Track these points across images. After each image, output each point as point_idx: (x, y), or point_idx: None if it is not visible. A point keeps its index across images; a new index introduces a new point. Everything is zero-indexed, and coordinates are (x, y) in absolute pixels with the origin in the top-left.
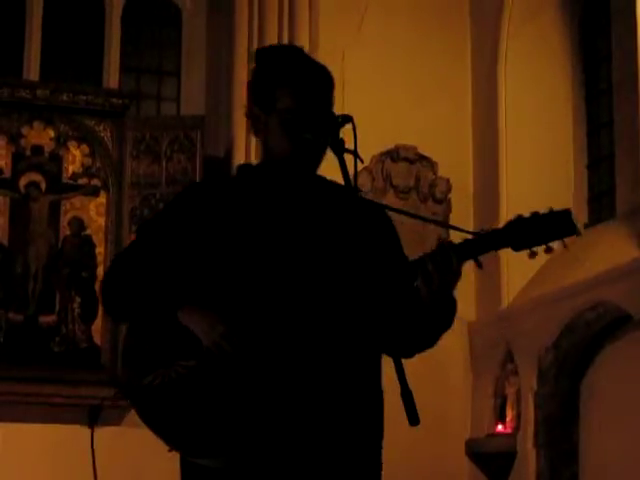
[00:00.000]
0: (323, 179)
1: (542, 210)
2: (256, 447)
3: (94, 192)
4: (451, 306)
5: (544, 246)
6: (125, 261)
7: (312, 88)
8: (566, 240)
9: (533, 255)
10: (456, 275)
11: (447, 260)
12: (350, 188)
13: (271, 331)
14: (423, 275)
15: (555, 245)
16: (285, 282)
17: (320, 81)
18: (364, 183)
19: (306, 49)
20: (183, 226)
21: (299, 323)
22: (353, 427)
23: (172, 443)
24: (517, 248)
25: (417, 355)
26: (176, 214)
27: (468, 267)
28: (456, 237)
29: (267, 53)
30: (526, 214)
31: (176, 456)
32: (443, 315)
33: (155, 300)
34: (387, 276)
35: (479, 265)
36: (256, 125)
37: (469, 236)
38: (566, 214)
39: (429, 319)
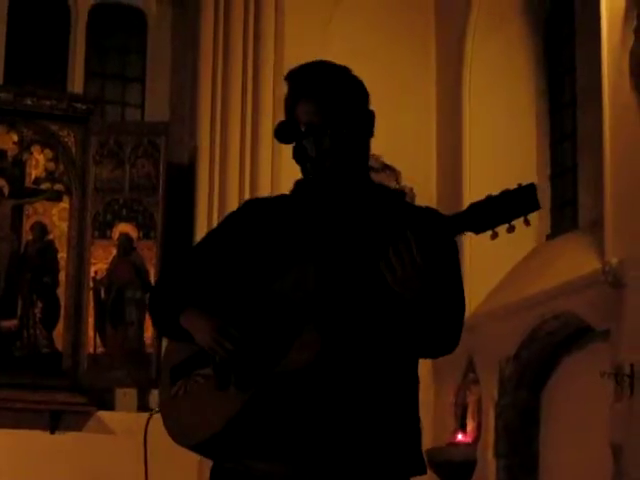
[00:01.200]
0: (373, 184)
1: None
2: (285, 451)
3: (57, 197)
4: (445, 295)
5: (506, 226)
6: (173, 274)
7: (327, 97)
8: (529, 217)
9: (495, 236)
10: (418, 264)
11: (408, 248)
12: (400, 194)
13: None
14: (385, 265)
15: (517, 224)
16: (309, 287)
17: (336, 89)
18: None
19: (271, 56)
20: (231, 241)
21: (330, 329)
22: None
23: (196, 451)
24: (477, 230)
25: None
26: (227, 229)
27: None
28: None
29: (292, 72)
30: (494, 193)
31: (136, 460)
32: (436, 307)
33: (173, 307)
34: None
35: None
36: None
37: None
38: (530, 188)
39: (417, 313)
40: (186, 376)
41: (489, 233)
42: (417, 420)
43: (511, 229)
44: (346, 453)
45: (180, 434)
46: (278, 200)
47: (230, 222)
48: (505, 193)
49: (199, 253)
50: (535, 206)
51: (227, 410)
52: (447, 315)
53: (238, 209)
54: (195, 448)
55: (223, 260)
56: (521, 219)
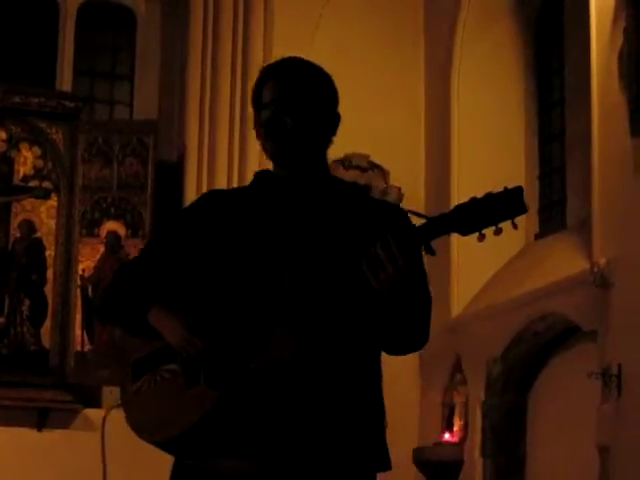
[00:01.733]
0: (335, 179)
1: (497, 190)
2: (253, 447)
3: (45, 195)
4: (418, 296)
5: (493, 228)
6: (130, 268)
7: (293, 79)
8: (516, 220)
9: (482, 238)
10: (400, 264)
11: (388, 249)
12: (364, 188)
13: (268, 333)
14: (367, 266)
15: (504, 226)
16: (285, 286)
17: (303, 73)
18: None
19: (260, 56)
20: (190, 234)
21: (296, 326)
22: (349, 430)
23: (160, 447)
24: (465, 232)
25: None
26: (182, 223)
27: None
28: None
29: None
30: (479, 195)
31: (122, 458)
32: (409, 307)
33: (138, 303)
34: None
35: (431, 252)
36: (257, 130)
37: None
38: (517, 191)
39: (395, 313)
40: (150, 371)
41: (476, 235)
42: (382, 417)
43: (498, 231)
44: (312, 449)
45: (145, 430)
46: (239, 192)
47: (190, 214)
48: (492, 195)
49: (159, 248)
50: (522, 210)
51: (196, 407)
52: (420, 313)
53: (197, 201)
54: (161, 445)
55: (186, 254)
56: (508, 222)
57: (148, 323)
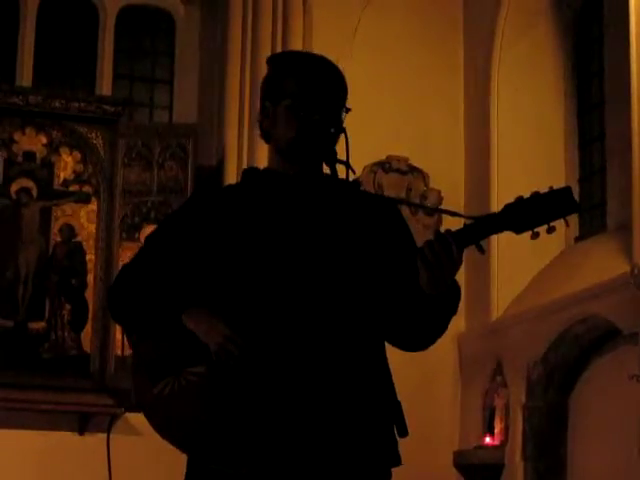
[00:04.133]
0: (329, 175)
1: (542, 190)
2: (268, 451)
3: (85, 199)
4: (455, 293)
5: (546, 226)
6: (132, 268)
7: (318, 75)
8: (568, 218)
9: (535, 236)
10: (456, 263)
11: (446, 247)
12: (355, 184)
13: (279, 332)
14: (423, 264)
15: (557, 224)
16: (291, 283)
17: (327, 70)
18: None
19: None
20: (191, 232)
21: (306, 323)
22: (364, 428)
23: (186, 450)
24: (518, 230)
25: (406, 365)
26: (184, 220)
27: (459, 278)
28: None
29: (278, 55)
30: (526, 195)
31: (166, 461)
32: (447, 303)
33: (160, 305)
34: (395, 270)
35: (481, 250)
36: (263, 122)
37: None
38: (567, 191)
39: (434, 309)
40: (172, 374)
41: (528, 234)
42: (394, 413)
43: (551, 230)
44: (328, 449)
45: (172, 434)
46: (234, 189)
47: (192, 212)
48: (542, 195)
49: (165, 247)
50: (575, 207)
51: (225, 411)
52: (453, 311)
53: (195, 199)
54: (188, 448)
55: (195, 253)
56: (561, 220)
57: (162, 323)
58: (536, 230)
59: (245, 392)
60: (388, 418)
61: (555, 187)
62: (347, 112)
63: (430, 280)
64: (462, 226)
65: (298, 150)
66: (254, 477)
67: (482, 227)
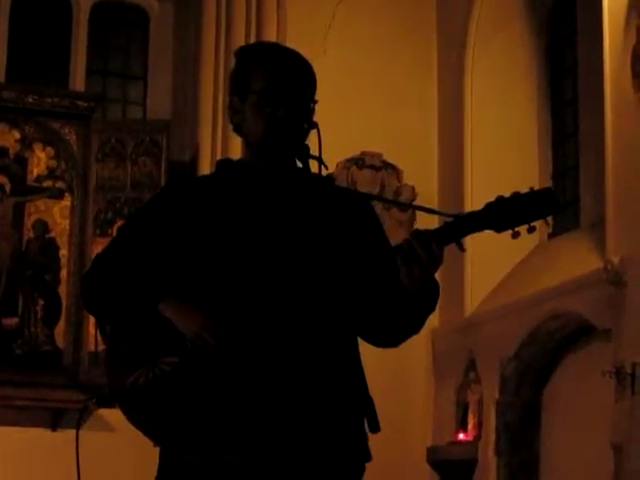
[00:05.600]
0: (302, 169)
1: (523, 190)
2: (242, 441)
3: (59, 195)
4: (434, 290)
5: (527, 226)
6: (106, 258)
7: (284, 70)
8: (548, 219)
9: (516, 235)
10: (437, 261)
11: (427, 246)
12: (328, 179)
13: (250, 323)
14: (404, 263)
15: (537, 223)
16: (265, 274)
17: (293, 63)
18: None
19: None
20: (164, 222)
21: (278, 314)
22: (336, 419)
23: (161, 441)
24: (499, 229)
25: (379, 360)
26: (156, 210)
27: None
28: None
29: (245, 48)
30: (506, 194)
31: (141, 456)
32: (426, 299)
33: (134, 294)
34: (368, 264)
35: (461, 248)
36: (234, 116)
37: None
38: (548, 192)
39: (412, 305)
40: (146, 364)
41: (502, 233)
42: (365, 409)
43: (531, 229)
44: (302, 446)
45: (146, 424)
46: (209, 180)
47: (165, 202)
48: (524, 194)
49: (139, 237)
50: (556, 208)
51: (200, 401)
52: (432, 307)
53: (168, 189)
54: (162, 438)
55: (168, 243)
56: (541, 220)
57: (136, 312)
58: (516, 230)
59: (218, 383)
60: (359, 413)
61: (536, 187)
62: (315, 104)
63: (410, 278)
64: (443, 224)
65: (267, 146)
66: (229, 466)
67: (463, 225)
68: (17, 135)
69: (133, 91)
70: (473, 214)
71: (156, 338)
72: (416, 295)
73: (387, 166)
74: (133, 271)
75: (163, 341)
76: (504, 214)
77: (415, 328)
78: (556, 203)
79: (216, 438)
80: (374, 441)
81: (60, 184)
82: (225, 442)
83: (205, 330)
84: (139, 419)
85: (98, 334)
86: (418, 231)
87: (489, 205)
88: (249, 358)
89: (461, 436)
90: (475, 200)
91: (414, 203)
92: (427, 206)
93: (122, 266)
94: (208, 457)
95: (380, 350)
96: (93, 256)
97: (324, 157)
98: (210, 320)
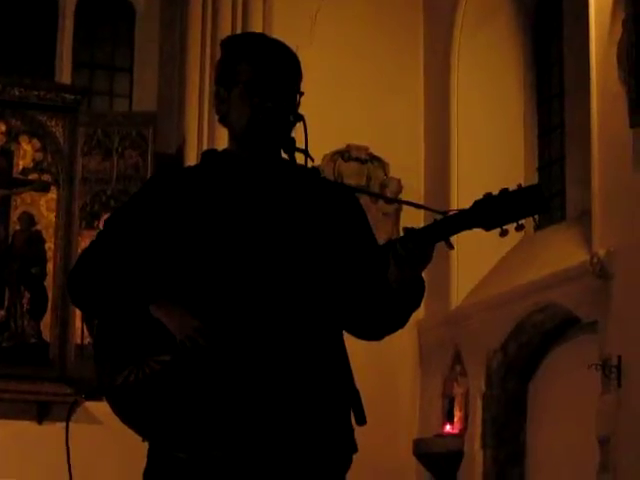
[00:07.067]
0: (288, 161)
1: (511, 187)
2: (231, 439)
3: (45, 188)
4: (420, 287)
5: (515, 224)
6: (93, 252)
7: (270, 61)
8: (536, 217)
9: (505, 233)
10: (426, 259)
11: (417, 244)
12: (315, 171)
13: (238, 315)
14: (394, 260)
15: (525, 222)
16: (250, 267)
17: (280, 55)
18: None
19: None
20: (151, 215)
21: (263, 307)
22: (325, 416)
23: (151, 438)
24: (488, 227)
25: (365, 353)
26: (143, 203)
27: None
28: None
29: (232, 38)
30: (494, 192)
31: (128, 449)
32: (412, 296)
33: (121, 288)
34: (354, 258)
35: (450, 246)
36: (219, 107)
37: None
38: (537, 189)
39: (399, 301)
40: (135, 363)
41: (489, 230)
42: (352, 402)
43: (520, 227)
44: (283, 435)
45: (136, 421)
46: (194, 171)
47: (151, 195)
48: (512, 192)
49: (126, 232)
50: (545, 207)
51: (190, 398)
52: (418, 303)
53: (154, 181)
54: (152, 435)
55: (156, 237)
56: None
57: (123, 306)
58: (504, 227)
59: (206, 380)
60: (345, 405)
61: (524, 183)
62: (301, 96)
63: (399, 275)
64: (432, 222)
65: (252, 137)
66: (218, 462)
67: (452, 224)
68: (3, 127)
69: (119, 84)
70: (462, 213)
71: (144, 335)
72: (402, 291)
73: (373, 159)
74: (121, 267)
75: (151, 338)
76: (493, 213)
77: (400, 323)
78: (545, 201)
79: (206, 434)
80: (360, 433)
81: (46, 177)
82: (214, 437)
83: (196, 333)
84: (129, 417)
85: (85, 327)
86: (409, 229)
87: (477, 203)
88: (236, 352)
89: (447, 428)
90: (461, 193)
91: (400, 196)
92: (413, 201)
93: (109, 262)
94: (198, 454)
95: (366, 343)
96: (79, 249)
97: (310, 149)
98: (201, 323)
